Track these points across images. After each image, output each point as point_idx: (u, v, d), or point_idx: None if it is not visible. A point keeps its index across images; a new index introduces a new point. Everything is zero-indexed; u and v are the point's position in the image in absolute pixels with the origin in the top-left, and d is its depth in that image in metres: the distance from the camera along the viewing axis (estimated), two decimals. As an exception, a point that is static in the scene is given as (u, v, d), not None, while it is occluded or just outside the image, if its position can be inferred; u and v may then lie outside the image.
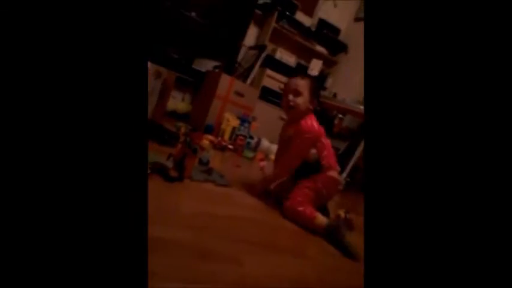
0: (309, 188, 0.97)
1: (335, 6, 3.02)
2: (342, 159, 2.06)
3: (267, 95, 2.59)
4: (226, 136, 1.97)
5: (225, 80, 2.16)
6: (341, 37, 3.09)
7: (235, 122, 1.99)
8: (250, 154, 1.82)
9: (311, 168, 1.00)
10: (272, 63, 2.68)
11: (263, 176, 1.13)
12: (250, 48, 2.81)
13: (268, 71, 2.59)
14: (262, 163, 1.61)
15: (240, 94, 2.22)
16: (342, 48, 3.01)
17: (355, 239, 0.97)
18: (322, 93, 2.60)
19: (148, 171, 0.86)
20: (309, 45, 2.93)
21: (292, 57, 2.85)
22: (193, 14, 2.57)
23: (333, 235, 0.85)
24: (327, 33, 2.95)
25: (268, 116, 2.47)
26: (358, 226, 1.08)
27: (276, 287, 0.55)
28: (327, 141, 1.03)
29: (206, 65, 2.60)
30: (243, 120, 2.01)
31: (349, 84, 2.80)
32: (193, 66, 2.60)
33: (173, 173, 0.91)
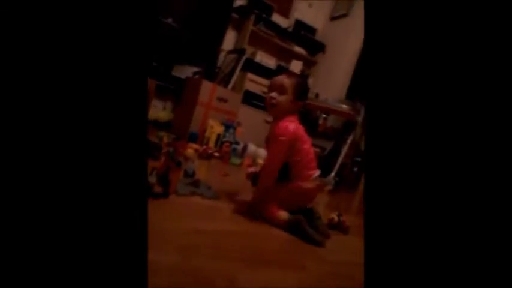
0: (276, 194, 0.95)
1: (310, 6, 3.06)
2: (329, 159, 2.07)
3: (250, 99, 2.57)
4: (212, 143, 1.93)
5: (207, 86, 2.12)
6: (318, 37, 3.12)
7: (219, 129, 1.95)
8: (237, 161, 1.79)
9: (281, 173, 0.96)
10: (252, 66, 2.67)
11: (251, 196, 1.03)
12: (229, 52, 2.78)
13: (250, 75, 2.57)
14: (251, 169, 1.58)
15: (222, 100, 2.18)
16: (320, 48, 3.04)
17: (353, 241, 0.96)
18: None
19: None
20: (288, 47, 2.94)
21: (272, 60, 2.85)
22: (169, 20, 2.51)
23: (294, 227, 0.87)
24: (304, 33, 2.98)
25: (253, 120, 2.45)
26: (352, 226, 1.07)
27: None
28: (305, 144, 0.98)
29: (186, 71, 2.55)
30: (228, 126, 1.98)
31: (329, 83, 2.83)
32: (173, 74, 2.54)
33: (157, 189, 0.86)
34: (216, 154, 1.79)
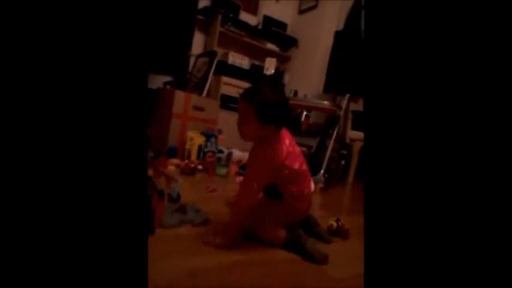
0: (272, 214, 0.88)
1: (277, 1, 3.00)
2: (317, 156, 2.03)
3: (228, 103, 2.47)
4: (194, 156, 1.82)
5: (180, 96, 2.01)
6: (289, 32, 3.07)
7: (200, 140, 1.85)
8: (223, 171, 1.70)
9: (272, 192, 0.89)
10: (226, 68, 2.57)
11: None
12: (199, 56, 2.66)
13: (224, 78, 2.47)
14: (239, 178, 1.50)
15: (199, 108, 2.08)
16: (292, 42, 3.00)
17: (356, 248, 0.91)
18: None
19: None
20: (260, 45, 2.87)
21: (245, 59, 2.77)
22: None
23: (294, 245, 0.82)
24: (274, 29, 2.91)
25: (233, 125, 2.36)
26: (351, 228, 1.03)
27: None
28: (295, 164, 0.87)
29: (156, 81, 2.41)
30: (209, 135, 1.88)
31: (306, 78, 2.80)
32: (142, 86, 2.38)
33: (140, 227, 0.76)
34: (200, 167, 1.69)
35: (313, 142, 2.16)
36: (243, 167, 1.75)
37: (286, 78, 2.97)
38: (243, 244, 0.82)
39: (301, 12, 3.04)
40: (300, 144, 0.98)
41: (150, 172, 1.41)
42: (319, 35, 2.78)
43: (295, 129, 1.83)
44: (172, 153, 1.86)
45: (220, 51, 2.62)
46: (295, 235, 0.84)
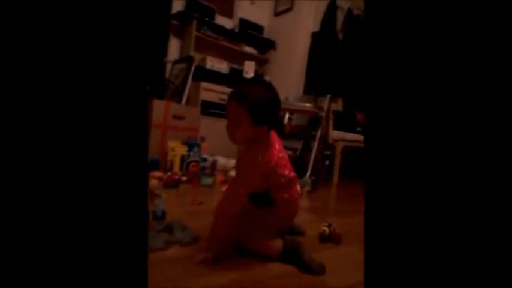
0: (261, 223, 0.85)
1: (252, 3, 2.98)
2: (302, 158, 2.03)
3: (209, 109, 2.42)
4: (177, 167, 1.76)
5: (159, 105, 1.93)
6: (266, 34, 3.07)
7: (182, 149, 1.79)
8: (208, 180, 1.65)
9: (262, 199, 0.86)
10: (205, 74, 2.52)
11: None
12: (176, 62, 2.59)
13: (204, 84, 2.42)
14: (226, 187, 1.46)
15: (179, 117, 2.01)
16: (270, 45, 3.00)
17: (350, 253, 0.90)
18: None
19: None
20: (237, 48, 2.84)
21: (224, 63, 2.72)
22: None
23: (291, 255, 0.80)
24: (251, 32, 2.90)
25: (216, 131, 2.31)
26: (342, 232, 1.02)
27: None
28: (285, 169, 0.86)
29: (132, 91, 2.30)
30: (191, 144, 1.82)
31: (285, 80, 2.80)
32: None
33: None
34: (184, 178, 1.63)
35: (297, 145, 2.16)
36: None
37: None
38: (237, 259, 0.79)
39: (277, 14, 3.05)
40: (285, 148, 0.96)
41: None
42: (296, 37, 2.80)
43: (279, 132, 1.83)
44: (154, 165, 1.78)
45: (197, 56, 2.56)
46: (293, 245, 0.82)
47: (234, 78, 2.62)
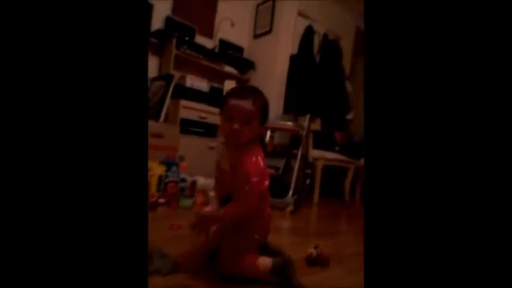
0: (240, 237, 0.82)
1: (232, 25, 3.05)
2: (284, 178, 2.02)
3: (189, 127, 2.36)
4: (153, 189, 1.66)
5: (135, 122, 1.85)
6: (246, 55, 3.13)
7: (160, 170, 1.70)
8: (187, 202, 1.57)
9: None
10: (184, 92, 2.48)
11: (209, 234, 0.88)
12: (155, 79, 2.53)
13: (183, 102, 2.37)
14: (207, 209, 1.39)
15: (157, 135, 1.93)
16: (249, 65, 3.05)
17: (340, 278, 0.87)
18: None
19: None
20: (218, 67, 2.85)
21: (204, 82, 2.71)
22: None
23: (280, 273, 0.77)
24: (231, 53, 2.94)
25: (196, 150, 2.25)
26: (330, 254, 1.00)
27: None
28: (266, 176, 0.87)
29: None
30: (169, 163, 1.74)
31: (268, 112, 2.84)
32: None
33: None
34: (161, 200, 1.54)
35: (280, 163, 2.15)
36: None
37: (246, 100, 2.99)
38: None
39: (256, 36, 3.14)
40: (267, 166, 0.95)
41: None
42: (275, 58, 2.88)
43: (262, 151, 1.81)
44: (128, 186, 1.67)
45: (177, 75, 2.52)
46: (284, 262, 0.78)
47: (214, 97, 2.60)
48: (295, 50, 2.85)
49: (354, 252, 1.19)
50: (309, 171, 2.24)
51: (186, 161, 1.95)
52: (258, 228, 0.84)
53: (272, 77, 2.87)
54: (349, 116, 3.01)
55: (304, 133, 1.95)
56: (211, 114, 2.50)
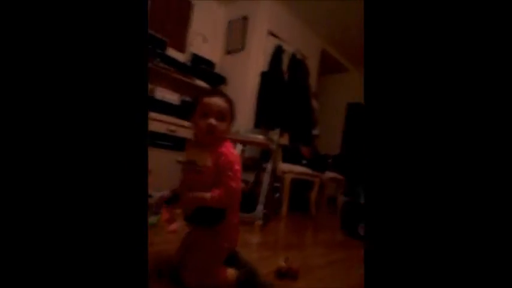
0: (210, 247, 0.81)
1: (205, 41, 3.09)
2: (254, 191, 2.04)
3: (156, 140, 2.30)
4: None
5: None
6: (217, 70, 3.17)
7: (126, 184, 1.62)
8: (152, 219, 1.51)
9: (211, 214, 0.81)
10: (154, 104, 2.43)
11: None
12: (123, 90, 2.45)
13: (152, 114, 2.32)
14: (173, 226, 1.35)
15: (123, 148, 1.85)
16: (221, 80, 3.09)
17: (305, 286, 0.90)
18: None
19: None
20: (189, 81, 2.85)
21: (175, 95, 2.68)
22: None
23: (247, 283, 0.80)
24: (203, 67, 2.96)
25: (163, 164, 2.19)
26: (299, 266, 1.03)
27: None
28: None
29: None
30: (136, 178, 1.67)
31: (236, 114, 2.88)
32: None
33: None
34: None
35: (250, 177, 2.17)
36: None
37: (217, 113, 3.00)
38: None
39: (228, 52, 3.21)
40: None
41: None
42: (246, 74, 2.96)
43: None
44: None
45: (146, 86, 2.47)
46: (247, 271, 0.81)
47: (185, 110, 2.58)
48: (265, 67, 2.97)
49: (322, 263, 1.24)
50: (278, 184, 2.30)
51: (153, 174, 1.89)
52: (228, 236, 0.84)
53: (243, 92, 2.94)
54: (315, 132, 3.16)
55: (274, 147, 2.01)
56: (181, 128, 2.47)
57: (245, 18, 3.05)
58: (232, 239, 0.86)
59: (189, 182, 0.85)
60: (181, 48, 2.99)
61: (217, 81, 3.08)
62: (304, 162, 2.64)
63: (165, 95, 2.60)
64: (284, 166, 2.37)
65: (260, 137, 1.91)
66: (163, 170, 2.10)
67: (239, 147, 1.99)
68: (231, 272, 0.80)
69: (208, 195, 0.78)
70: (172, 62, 2.72)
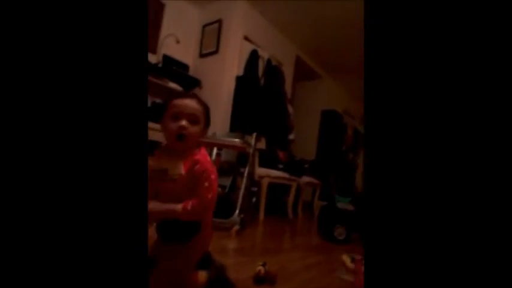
0: (181, 259, 0.74)
1: (178, 42, 3.01)
2: (231, 196, 1.97)
3: (125, 144, 2.16)
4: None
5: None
6: (191, 72, 3.09)
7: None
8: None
9: (184, 228, 0.74)
10: (122, 106, 2.29)
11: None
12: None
13: (120, 116, 2.18)
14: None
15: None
16: (195, 83, 3.01)
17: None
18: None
19: None
20: (161, 83, 2.74)
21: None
22: None
23: (217, 279, 0.80)
24: (176, 69, 2.87)
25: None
26: (277, 270, 0.98)
27: None
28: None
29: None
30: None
31: (212, 117, 2.81)
32: None
33: None
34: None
35: (226, 181, 2.10)
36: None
37: (191, 117, 2.91)
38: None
39: (202, 55, 3.14)
40: None
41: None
42: (221, 78, 2.91)
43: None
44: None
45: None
46: (217, 268, 0.79)
47: (156, 113, 2.46)
48: (241, 72, 2.94)
49: (300, 268, 1.21)
50: (255, 189, 2.25)
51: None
52: (202, 245, 0.79)
53: (219, 95, 2.88)
54: (291, 136, 3.18)
55: (251, 151, 1.97)
56: (152, 131, 2.35)
57: (220, 21, 3.02)
58: (206, 243, 0.81)
59: (157, 191, 0.76)
60: (152, 50, 2.88)
61: (191, 84, 3.00)
62: (280, 166, 2.62)
63: (135, 96, 2.47)
64: (261, 170, 2.33)
65: (236, 141, 1.87)
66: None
67: (214, 151, 1.93)
68: (202, 275, 0.77)
69: (179, 207, 0.70)
70: (144, 62, 2.61)
